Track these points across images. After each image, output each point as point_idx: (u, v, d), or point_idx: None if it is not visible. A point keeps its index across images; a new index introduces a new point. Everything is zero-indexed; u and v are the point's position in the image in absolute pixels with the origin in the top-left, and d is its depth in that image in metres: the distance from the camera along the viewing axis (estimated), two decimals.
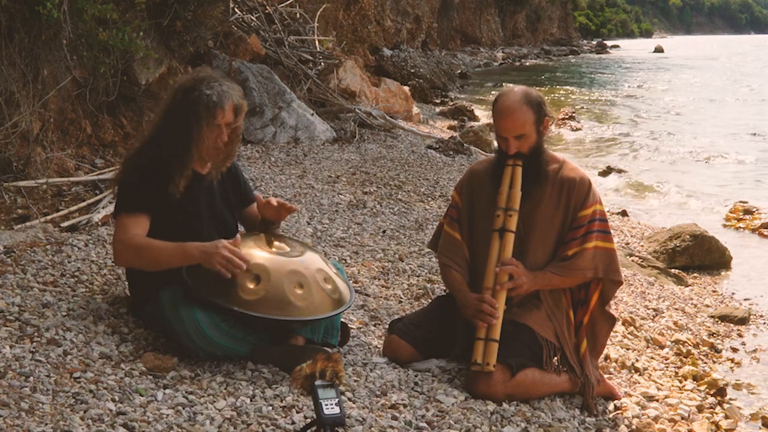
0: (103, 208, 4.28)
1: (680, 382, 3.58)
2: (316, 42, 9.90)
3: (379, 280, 4.01)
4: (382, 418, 2.47)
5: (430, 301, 3.57)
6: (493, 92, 17.37)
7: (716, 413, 3.28)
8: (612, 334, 3.82)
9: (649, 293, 4.82)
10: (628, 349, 3.74)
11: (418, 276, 4.15)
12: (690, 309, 4.74)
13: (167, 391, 2.45)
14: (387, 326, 3.21)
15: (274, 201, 2.96)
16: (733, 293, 5.34)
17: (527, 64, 34.70)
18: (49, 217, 4.06)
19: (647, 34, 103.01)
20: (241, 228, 3.14)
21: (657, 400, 3.20)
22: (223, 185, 3.02)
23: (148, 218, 2.78)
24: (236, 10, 8.87)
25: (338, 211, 5.27)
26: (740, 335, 4.47)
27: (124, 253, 2.76)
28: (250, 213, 3.13)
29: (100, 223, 4.08)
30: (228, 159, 2.95)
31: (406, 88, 12.48)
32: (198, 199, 2.90)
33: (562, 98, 19.11)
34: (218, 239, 2.77)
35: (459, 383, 2.83)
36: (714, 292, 5.34)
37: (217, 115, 2.77)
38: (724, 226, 7.31)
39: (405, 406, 2.59)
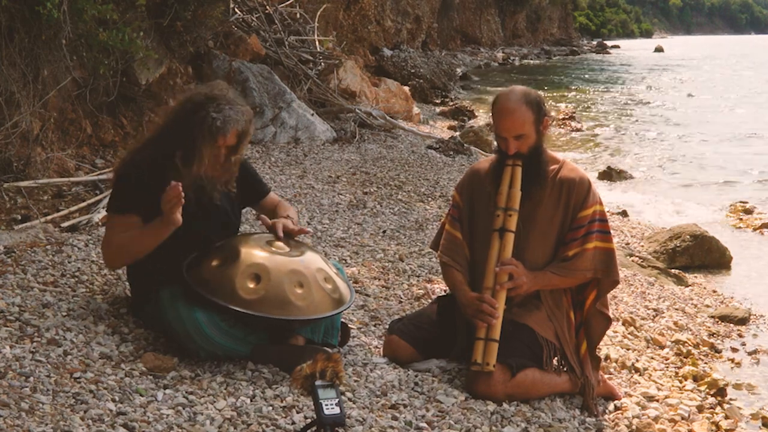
0: (103, 208, 4.27)
1: (680, 382, 3.58)
2: (316, 42, 9.90)
3: (379, 280, 4.01)
4: (382, 418, 2.47)
5: (430, 301, 3.57)
6: (493, 92, 17.37)
7: (716, 413, 3.28)
8: (612, 334, 3.82)
9: (649, 293, 4.82)
10: (628, 349, 3.74)
11: (418, 276, 4.15)
12: (690, 309, 4.74)
13: (167, 391, 2.45)
14: (387, 326, 3.21)
15: (280, 231, 2.91)
16: (733, 293, 5.34)
17: (527, 64, 34.70)
18: (49, 217, 4.06)
19: (647, 34, 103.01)
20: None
21: (657, 400, 3.20)
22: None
23: (139, 218, 2.78)
24: (236, 10, 8.87)
25: (338, 211, 5.27)
26: (740, 335, 4.47)
27: (110, 255, 2.85)
28: (266, 205, 3.15)
29: (100, 223, 4.07)
30: (228, 182, 2.93)
31: (406, 88, 12.48)
32: (199, 200, 2.89)
33: (562, 98, 19.11)
34: (213, 243, 2.79)
35: (459, 383, 2.83)
36: (714, 292, 5.34)
37: (218, 140, 2.77)
38: (724, 226, 7.31)
39: (405, 406, 2.59)
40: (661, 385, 3.44)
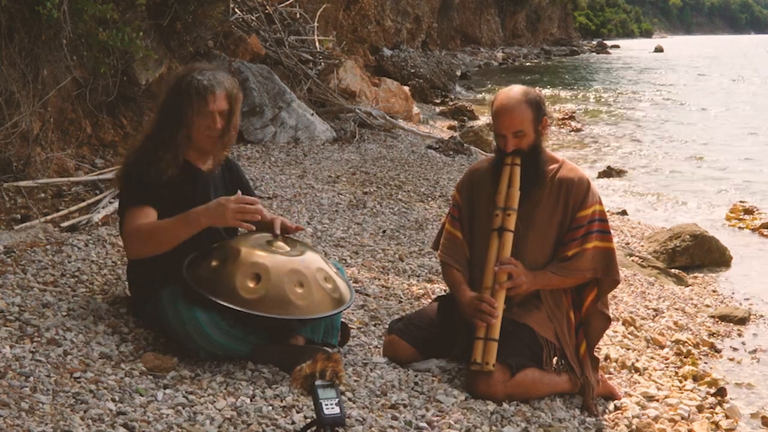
0: (103, 208, 4.28)
1: (680, 382, 3.57)
2: (316, 42, 9.90)
3: (379, 280, 4.01)
4: (382, 418, 2.47)
5: (430, 301, 3.57)
6: (493, 92, 17.37)
7: (716, 413, 3.28)
8: (612, 334, 3.82)
9: (649, 293, 4.82)
10: (628, 349, 3.74)
11: (418, 276, 4.15)
12: (690, 309, 4.74)
13: (167, 391, 2.45)
14: (387, 326, 3.21)
15: (278, 227, 2.90)
16: (733, 293, 5.34)
17: (527, 64, 34.70)
18: (49, 217, 4.05)
19: (647, 34, 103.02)
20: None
21: (657, 400, 3.20)
22: (225, 182, 3.02)
23: (155, 211, 2.79)
24: (236, 10, 8.87)
25: (338, 211, 5.27)
26: (740, 335, 4.47)
27: (138, 240, 2.76)
28: None
29: (100, 223, 4.08)
30: (225, 148, 2.95)
31: (406, 88, 12.49)
32: (198, 196, 2.89)
33: (562, 98, 19.11)
34: (222, 237, 2.79)
35: (459, 383, 2.83)
36: (714, 292, 5.34)
37: (209, 100, 2.78)
38: (724, 226, 7.31)
39: (405, 406, 2.59)
40: (661, 384, 3.44)
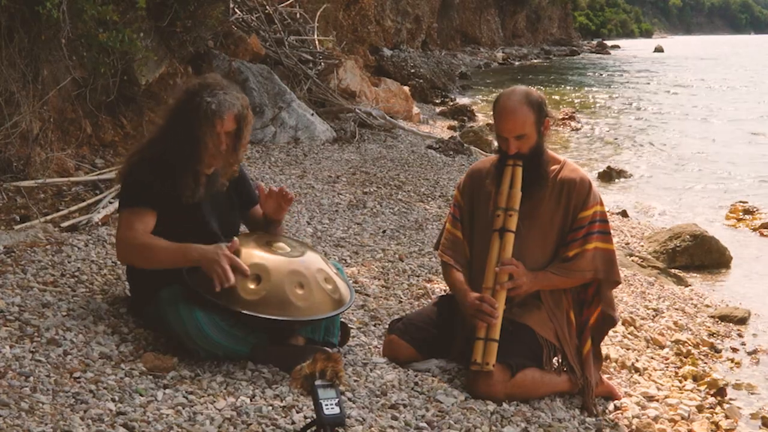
0: (103, 208, 4.28)
1: (680, 382, 3.58)
2: (316, 42, 9.90)
3: (379, 280, 4.01)
4: (382, 418, 2.47)
5: (430, 301, 3.57)
6: (493, 92, 17.39)
7: (716, 413, 3.28)
8: (612, 334, 3.82)
9: (649, 293, 4.82)
10: (628, 349, 3.74)
11: (418, 276, 4.15)
12: (690, 309, 4.74)
13: (167, 391, 2.45)
14: (387, 326, 3.21)
15: (274, 188, 2.97)
16: (733, 293, 5.34)
17: (527, 64, 34.70)
18: (49, 217, 4.05)
19: (647, 34, 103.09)
20: (243, 228, 3.15)
21: (657, 400, 3.21)
22: (229, 187, 3.02)
23: (153, 214, 2.78)
24: (236, 10, 8.87)
25: (338, 211, 5.27)
26: (740, 335, 4.47)
27: (126, 250, 2.77)
28: (254, 214, 3.14)
29: (100, 223, 4.08)
30: (233, 165, 2.94)
31: (406, 88, 12.49)
32: (203, 199, 2.89)
33: (562, 98, 19.11)
34: (221, 240, 2.78)
35: (459, 383, 2.83)
36: (714, 292, 5.35)
37: (216, 124, 2.77)
38: (724, 226, 7.31)
39: (405, 406, 2.59)
40: (661, 385, 3.45)
